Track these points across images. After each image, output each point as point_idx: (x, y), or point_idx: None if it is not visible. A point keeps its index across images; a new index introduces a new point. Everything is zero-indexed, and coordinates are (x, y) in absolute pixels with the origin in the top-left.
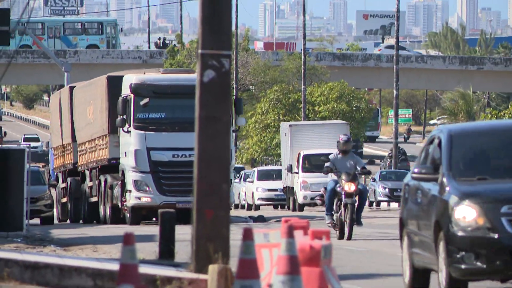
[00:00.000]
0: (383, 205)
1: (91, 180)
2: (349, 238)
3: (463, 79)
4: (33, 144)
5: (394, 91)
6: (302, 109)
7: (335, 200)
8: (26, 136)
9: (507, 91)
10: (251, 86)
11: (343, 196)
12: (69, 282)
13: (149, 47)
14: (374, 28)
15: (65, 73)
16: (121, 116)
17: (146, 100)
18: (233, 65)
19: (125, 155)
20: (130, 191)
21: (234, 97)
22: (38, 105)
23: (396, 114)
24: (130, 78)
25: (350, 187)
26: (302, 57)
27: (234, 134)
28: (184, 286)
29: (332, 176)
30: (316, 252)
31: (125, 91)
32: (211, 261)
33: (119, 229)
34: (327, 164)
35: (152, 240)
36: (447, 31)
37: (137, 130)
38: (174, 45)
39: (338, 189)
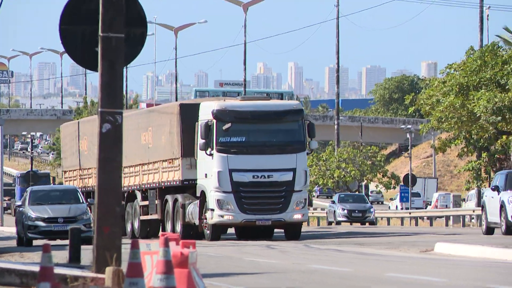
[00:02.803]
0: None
1: (144, 199)
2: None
3: None
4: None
5: None
6: None
7: None
8: None
9: (324, 139)
10: None
11: None
12: (2, 280)
13: (61, 107)
14: None
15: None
16: (203, 140)
17: (228, 125)
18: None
19: (205, 176)
20: (212, 210)
21: (308, 122)
22: None
23: None
24: (211, 105)
25: None
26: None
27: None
28: (87, 283)
29: None
30: (185, 257)
31: (205, 117)
32: (108, 264)
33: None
34: None
35: (64, 249)
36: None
37: (219, 153)
38: (78, 105)
39: None
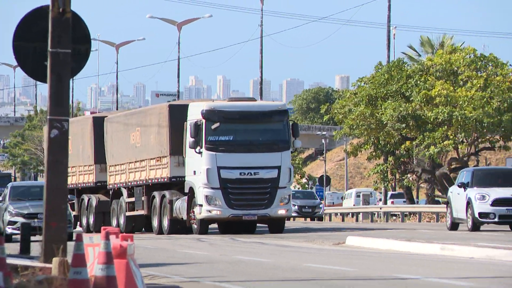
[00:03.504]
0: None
1: (130, 196)
2: None
3: None
4: None
5: None
6: None
7: None
8: None
9: None
10: None
11: None
12: None
13: (14, 115)
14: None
15: None
16: (193, 139)
17: (217, 124)
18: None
19: (194, 174)
20: (201, 205)
21: (292, 122)
22: None
23: None
24: (200, 105)
25: None
26: None
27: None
28: (36, 272)
29: None
30: (124, 249)
31: (194, 117)
32: (55, 255)
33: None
34: None
35: (16, 241)
36: None
37: (208, 151)
38: (29, 113)
39: None
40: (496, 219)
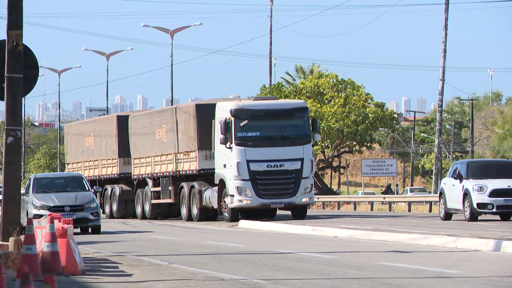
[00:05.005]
0: None
1: (155, 186)
2: None
3: None
4: None
5: None
6: None
7: None
8: None
9: None
10: (32, 145)
11: None
12: None
13: None
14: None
15: None
16: (223, 135)
17: (245, 121)
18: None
19: (224, 167)
20: (232, 195)
21: (312, 118)
22: None
23: None
24: (228, 105)
25: None
26: (58, 136)
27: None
28: None
29: None
30: (65, 231)
31: (222, 115)
32: (11, 235)
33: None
34: None
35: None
36: None
37: (238, 146)
38: None
39: None
40: (494, 210)
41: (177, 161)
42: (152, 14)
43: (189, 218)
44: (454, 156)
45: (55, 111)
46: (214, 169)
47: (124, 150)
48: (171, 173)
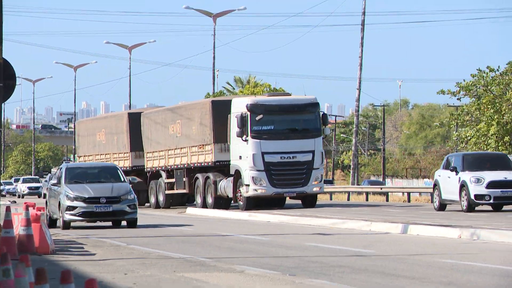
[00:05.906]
0: None
1: (169, 177)
2: None
3: None
4: None
5: None
6: None
7: None
8: None
9: None
10: (10, 144)
11: None
12: None
13: None
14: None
15: None
16: (239, 129)
17: (260, 116)
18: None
19: (240, 158)
20: (248, 185)
21: (322, 112)
22: None
23: None
24: (244, 100)
25: None
26: (33, 136)
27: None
28: None
29: None
30: (38, 217)
31: (238, 110)
32: None
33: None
34: None
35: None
36: None
37: (253, 139)
38: None
39: None
40: (491, 201)
41: (191, 154)
42: (113, 32)
43: (203, 206)
44: (368, 153)
45: (30, 114)
46: (228, 161)
47: (135, 145)
48: (185, 165)
